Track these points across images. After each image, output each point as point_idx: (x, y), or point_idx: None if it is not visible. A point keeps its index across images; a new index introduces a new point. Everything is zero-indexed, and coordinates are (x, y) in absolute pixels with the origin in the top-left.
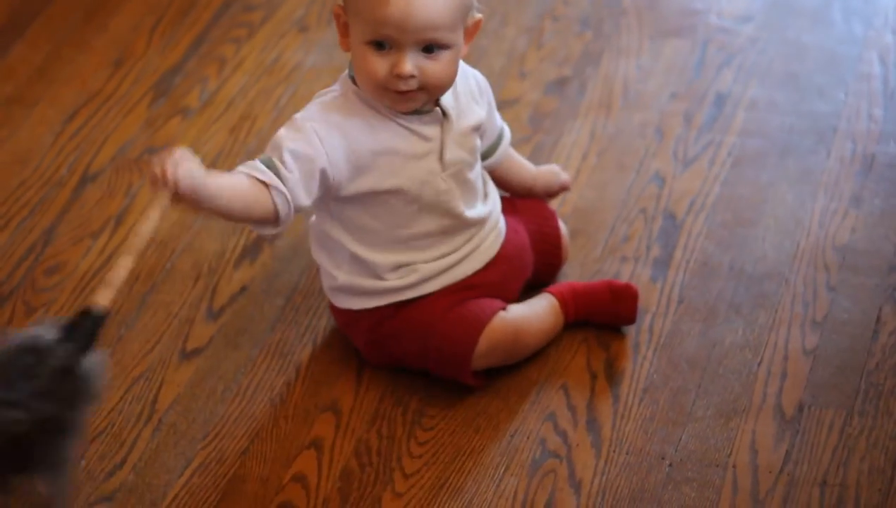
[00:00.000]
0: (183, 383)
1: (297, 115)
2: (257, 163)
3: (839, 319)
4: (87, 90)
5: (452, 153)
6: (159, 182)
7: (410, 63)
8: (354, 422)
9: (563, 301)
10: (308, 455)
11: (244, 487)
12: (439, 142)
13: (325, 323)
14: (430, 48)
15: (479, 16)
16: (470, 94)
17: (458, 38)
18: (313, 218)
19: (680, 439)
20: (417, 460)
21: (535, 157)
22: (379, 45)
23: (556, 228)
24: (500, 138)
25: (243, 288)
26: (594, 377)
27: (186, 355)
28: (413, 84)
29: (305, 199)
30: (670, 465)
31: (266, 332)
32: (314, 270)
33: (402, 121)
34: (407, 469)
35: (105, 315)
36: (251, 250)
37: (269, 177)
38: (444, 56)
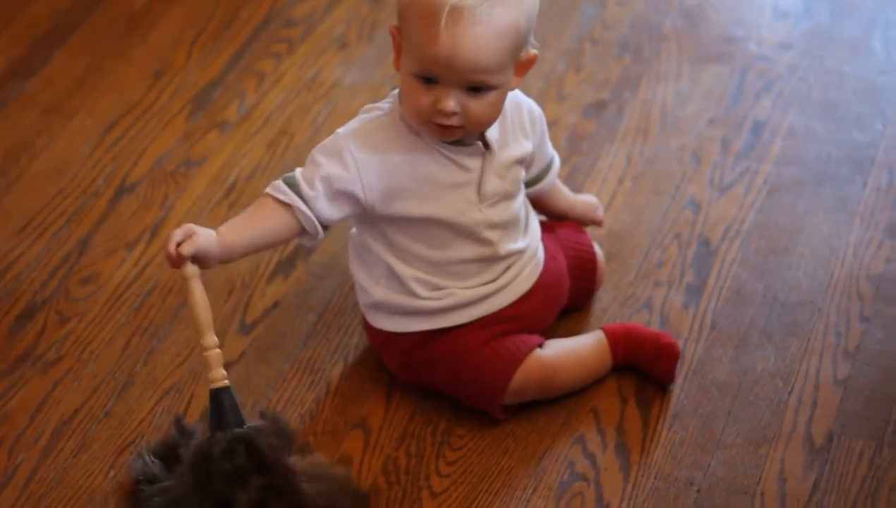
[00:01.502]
0: None
1: (340, 131)
2: (280, 184)
3: (871, 349)
4: (125, 101)
5: (492, 184)
6: (172, 261)
7: (453, 101)
8: (383, 440)
9: (614, 341)
10: None
11: None
12: (479, 173)
13: (356, 340)
14: (475, 88)
15: (534, 52)
16: (519, 126)
17: (507, 77)
18: (353, 229)
19: (709, 465)
20: (445, 479)
21: (572, 179)
22: (426, 78)
23: (592, 253)
24: (548, 167)
25: (276, 304)
26: (624, 401)
27: None
28: (455, 120)
29: (333, 215)
30: (698, 491)
31: (297, 348)
32: (347, 287)
33: (443, 150)
34: (435, 488)
35: (229, 387)
36: (285, 266)
37: (291, 198)
38: (489, 96)
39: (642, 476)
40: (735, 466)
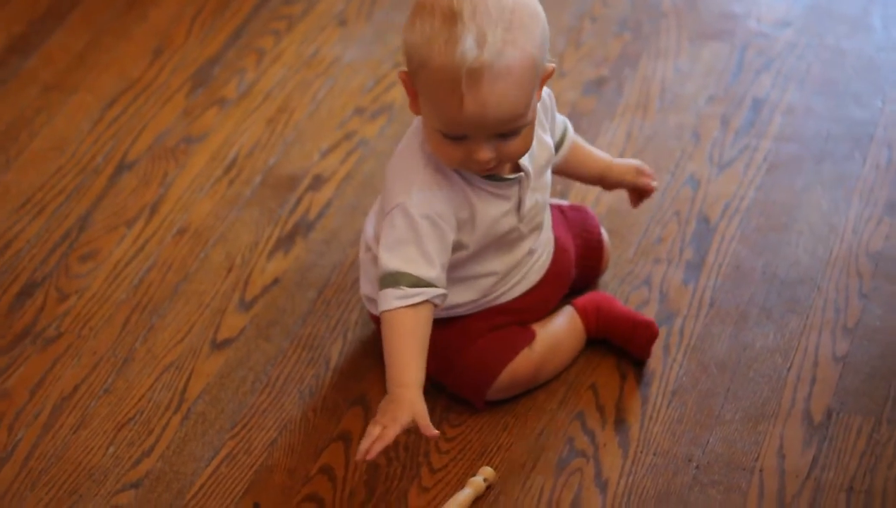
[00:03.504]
0: (213, 373)
1: (413, 212)
2: (401, 290)
3: (871, 326)
4: (125, 78)
5: (530, 201)
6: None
7: (488, 150)
8: None
9: (585, 316)
10: (336, 448)
11: (271, 478)
12: (517, 197)
13: (356, 317)
14: (506, 133)
15: (551, 66)
16: (539, 125)
17: (534, 106)
18: (361, 253)
19: (707, 442)
20: (444, 455)
21: None
22: (454, 136)
23: (599, 239)
24: (564, 132)
25: (276, 281)
26: (623, 377)
27: (217, 345)
28: (492, 163)
29: (444, 265)
30: (697, 468)
31: (297, 325)
32: (347, 264)
33: (482, 185)
34: (434, 465)
35: None
36: (285, 242)
37: (424, 293)
38: (522, 134)
39: (641, 452)
40: (734, 442)
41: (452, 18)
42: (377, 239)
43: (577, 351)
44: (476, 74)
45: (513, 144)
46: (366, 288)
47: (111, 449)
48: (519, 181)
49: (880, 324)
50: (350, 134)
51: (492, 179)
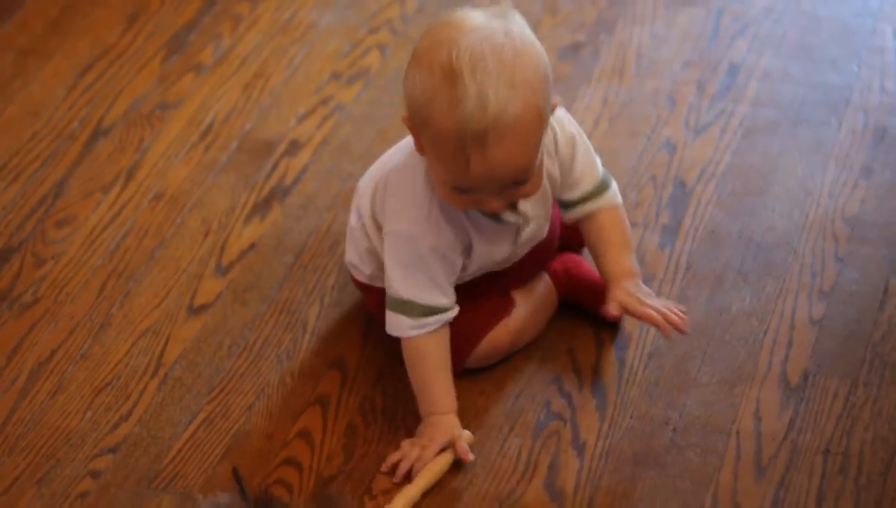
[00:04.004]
0: (190, 338)
1: (422, 245)
2: (417, 319)
3: (846, 290)
4: (101, 44)
5: (528, 233)
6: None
7: (498, 200)
8: (360, 380)
9: (557, 282)
10: (313, 412)
11: (249, 442)
12: (515, 231)
13: (332, 281)
14: (516, 182)
15: (555, 101)
16: (548, 155)
17: (541, 150)
18: (352, 220)
19: (684, 405)
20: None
21: None
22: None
23: None
24: (588, 196)
25: (252, 246)
26: (600, 341)
27: (194, 310)
28: (502, 209)
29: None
30: (674, 430)
31: (274, 289)
32: (324, 229)
33: (479, 220)
34: (412, 428)
35: None
36: (261, 207)
37: (439, 320)
38: (533, 176)
39: (618, 415)
40: (710, 405)
41: (452, 77)
42: (373, 216)
43: (551, 315)
44: (480, 136)
45: (522, 190)
46: (352, 256)
47: (88, 414)
48: (517, 223)
49: (856, 288)
50: (326, 99)
51: (492, 217)
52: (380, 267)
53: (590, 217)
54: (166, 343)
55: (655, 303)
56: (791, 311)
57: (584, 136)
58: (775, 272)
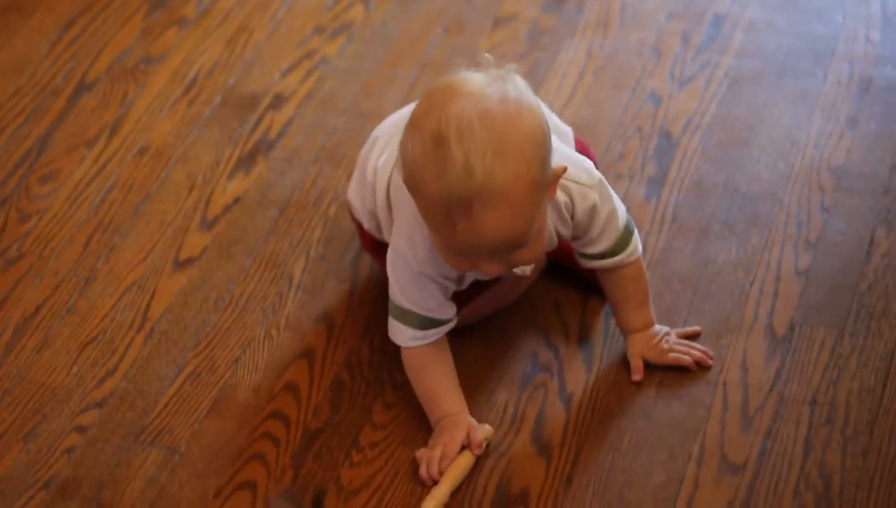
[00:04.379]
0: (175, 292)
1: (417, 271)
2: (420, 331)
3: (832, 240)
4: None
5: (522, 269)
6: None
7: (495, 265)
8: (346, 333)
9: None
10: (300, 366)
11: (235, 396)
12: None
13: (318, 235)
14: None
15: (560, 167)
16: (561, 221)
17: (541, 220)
18: (368, 172)
19: None
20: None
21: (533, 74)
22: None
23: None
24: (601, 255)
25: (237, 200)
26: (586, 293)
27: (179, 264)
28: (502, 272)
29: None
30: (660, 382)
31: (259, 243)
32: (308, 183)
33: None
34: (398, 381)
35: None
36: (246, 161)
37: (439, 332)
38: (530, 244)
39: (605, 367)
40: None
41: (439, 144)
42: (388, 200)
43: (540, 273)
44: (465, 204)
45: (520, 255)
46: (354, 198)
47: (74, 369)
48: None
49: (842, 238)
50: (310, 52)
51: None
52: (377, 227)
53: (607, 270)
54: (152, 297)
55: (675, 347)
56: (777, 262)
57: (608, 190)
58: (761, 223)
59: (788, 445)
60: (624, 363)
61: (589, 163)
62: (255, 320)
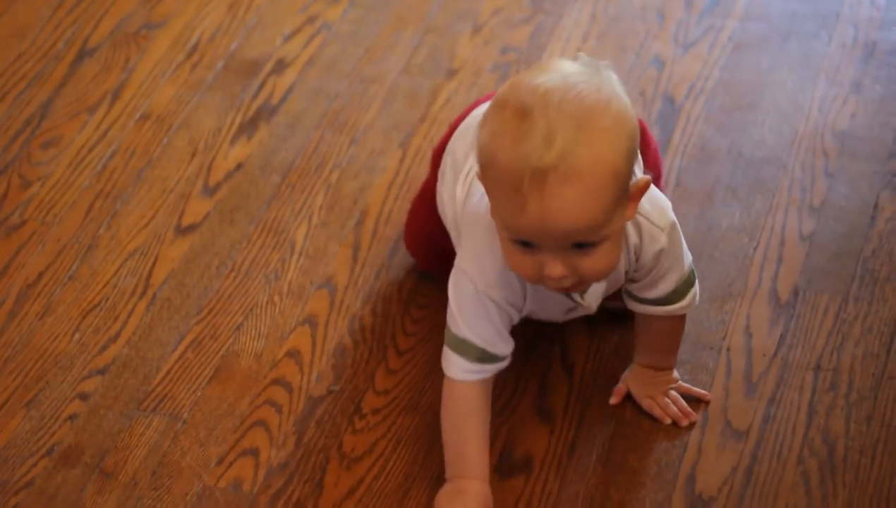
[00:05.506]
0: (178, 258)
1: (484, 295)
2: (475, 366)
3: (836, 205)
4: None
5: (581, 310)
6: None
7: (560, 265)
8: (349, 299)
9: None
10: (302, 332)
11: (238, 362)
12: (571, 306)
13: (320, 201)
14: (581, 244)
15: (644, 178)
16: (625, 259)
17: (617, 224)
18: (447, 180)
19: None
20: (412, 337)
21: (535, 39)
22: (523, 242)
23: None
24: (653, 302)
25: (239, 165)
26: None
27: (182, 230)
28: (567, 282)
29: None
30: None
31: (262, 209)
32: (311, 149)
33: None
34: (401, 347)
35: None
36: (248, 127)
37: (494, 369)
38: (601, 249)
39: (608, 333)
40: (701, 322)
41: (523, 114)
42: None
43: None
44: (540, 175)
45: (589, 261)
46: (442, 193)
47: (77, 336)
48: (577, 306)
49: (846, 203)
50: (313, 17)
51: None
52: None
53: (652, 315)
54: (154, 263)
55: (660, 399)
56: (781, 227)
57: (678, 235)
58: (765, 188)
59: (792, 411)
60: (627, 329)
61: (667, 203)
62: (257, 286)
